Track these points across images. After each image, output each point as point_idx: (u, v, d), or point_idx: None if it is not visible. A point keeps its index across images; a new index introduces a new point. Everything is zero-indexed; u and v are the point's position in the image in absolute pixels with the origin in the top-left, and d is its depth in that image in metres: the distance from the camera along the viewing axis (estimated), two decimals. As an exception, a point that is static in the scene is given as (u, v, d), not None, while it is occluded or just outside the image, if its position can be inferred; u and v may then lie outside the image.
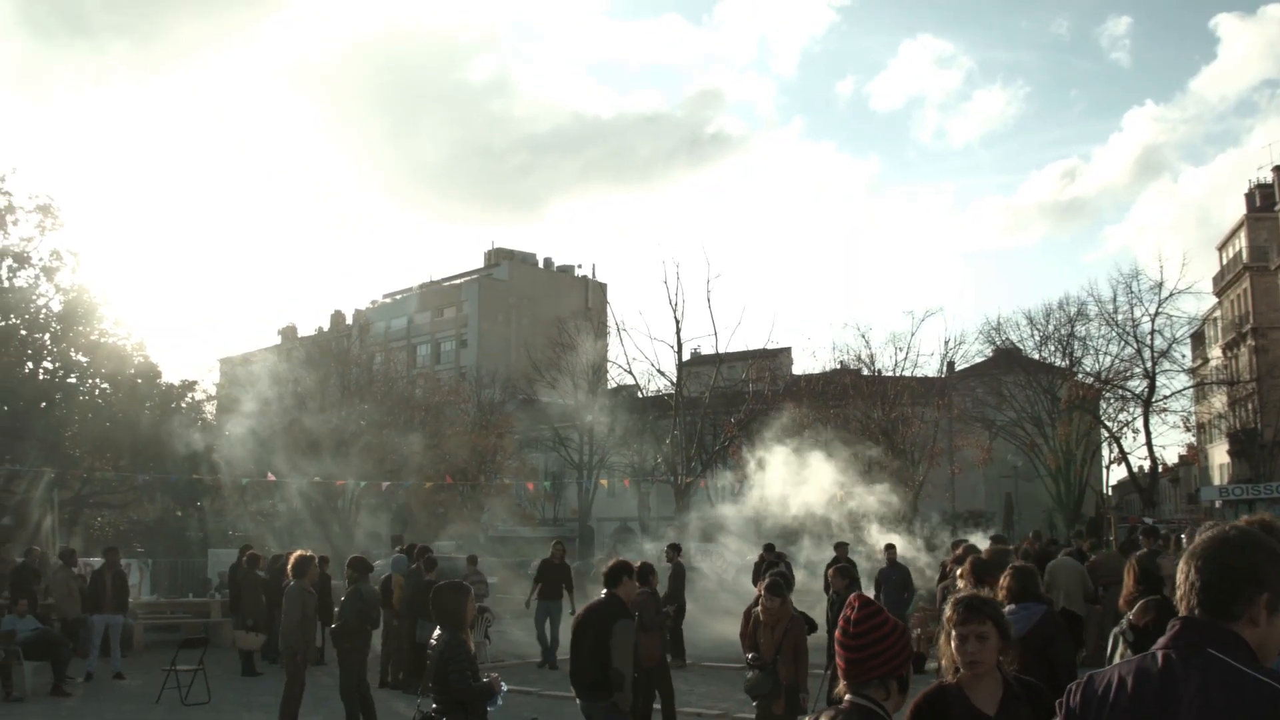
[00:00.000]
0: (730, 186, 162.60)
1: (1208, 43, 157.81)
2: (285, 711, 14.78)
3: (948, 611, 5.17)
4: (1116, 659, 7.63)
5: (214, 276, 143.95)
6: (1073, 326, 53.64)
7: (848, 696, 4.29)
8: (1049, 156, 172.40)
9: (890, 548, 22.42)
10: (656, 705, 14.10)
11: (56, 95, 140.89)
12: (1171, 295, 50.69)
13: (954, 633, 5.03)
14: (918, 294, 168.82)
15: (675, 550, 24.27)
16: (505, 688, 8.54)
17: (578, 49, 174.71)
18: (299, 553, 15.59)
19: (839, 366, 55.06)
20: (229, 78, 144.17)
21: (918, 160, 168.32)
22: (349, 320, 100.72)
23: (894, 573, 21.14)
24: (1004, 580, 8.17)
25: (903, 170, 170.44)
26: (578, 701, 10.36)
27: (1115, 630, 8.00)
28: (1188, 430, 59.24)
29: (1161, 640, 3.27)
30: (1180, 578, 3.33)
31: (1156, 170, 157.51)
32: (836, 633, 4.44)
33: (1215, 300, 67.80)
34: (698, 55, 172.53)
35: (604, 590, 10.50)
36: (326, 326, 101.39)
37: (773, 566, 14.85)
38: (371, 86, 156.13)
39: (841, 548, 22.08)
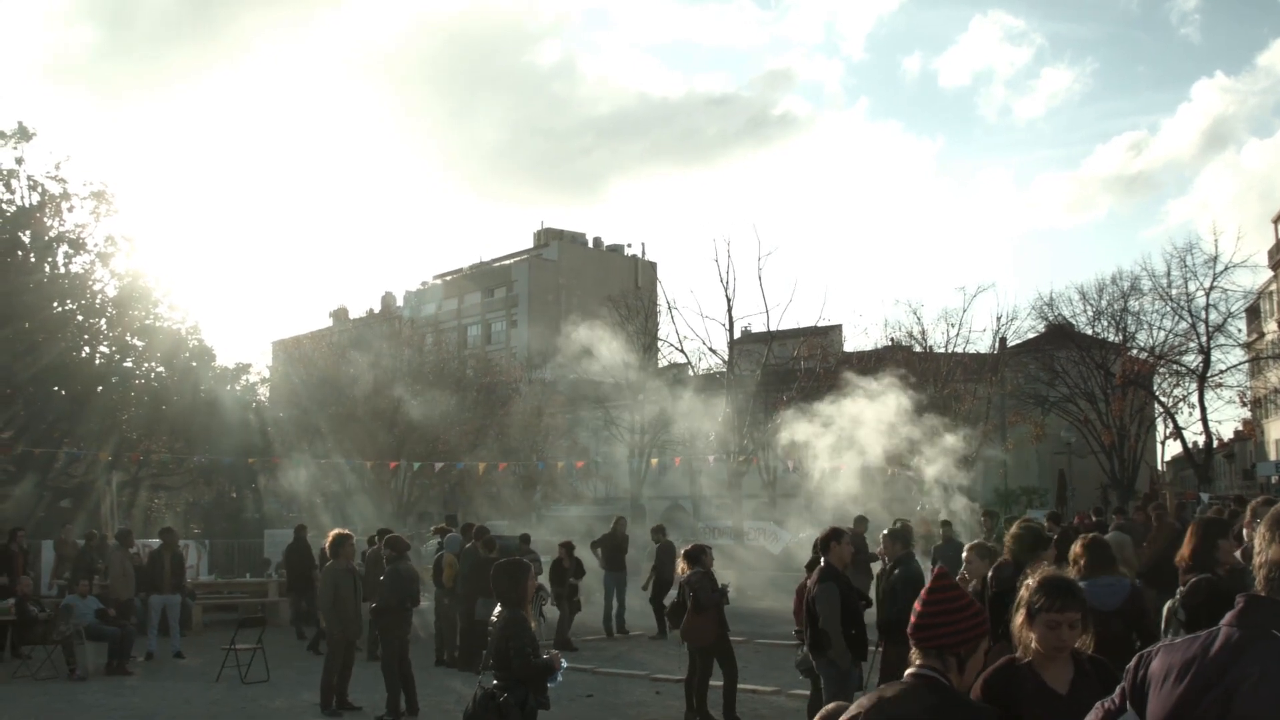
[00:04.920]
0: (793, 167, 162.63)
1: (1278, 14, 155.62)
2: (322, 684, 15.07)
3: (1030, 594, 5.11)
4: (1169, 638, 7.53)
5: (267, 260, 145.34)
6: (1126, 301, 53.20)
7: (909, 670, 4.31)
8: (1116, 128, 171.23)
9: (946, 524, 22.32)
10: (716, 682, 14.12)
11: (117, 83, 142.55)
12: (1227, 269, 50.13)
13: (1044, 618, 4.98)
14: (975, 271, 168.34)
15: (661, 532, 26.06)
16: (565, 664, 8.57)
17: (645, 32, 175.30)
18: (336, 531, 15.74)
19: (890, 343, 54.84)
20: (290, 61, 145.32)
21: (982, 136, 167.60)
22: (400, 302, 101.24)
23: (949, 550, 21.00)
24: (1076, 552, 8.15)
25: (967, 147, 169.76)
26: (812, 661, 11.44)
27: (1169, 604, 7.92)
28: (1244, 405, 58.59)
29: (1227, 617, 3.15)
30: (1260, 544, 3.19)
31: (1222, 142, 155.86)
32: (916, 600, 4.49)
33: (1271, 274, 66.95)
34: (766, 37, 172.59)
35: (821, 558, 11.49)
36: (377, 308, 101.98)
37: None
38: (433, 71, 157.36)
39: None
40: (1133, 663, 3.35)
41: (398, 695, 14.58)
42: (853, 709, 4.19)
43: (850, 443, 31.15)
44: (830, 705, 4.35)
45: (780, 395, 50.36)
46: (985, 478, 51.21)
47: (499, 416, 48.73)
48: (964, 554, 10.48)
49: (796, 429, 33.41)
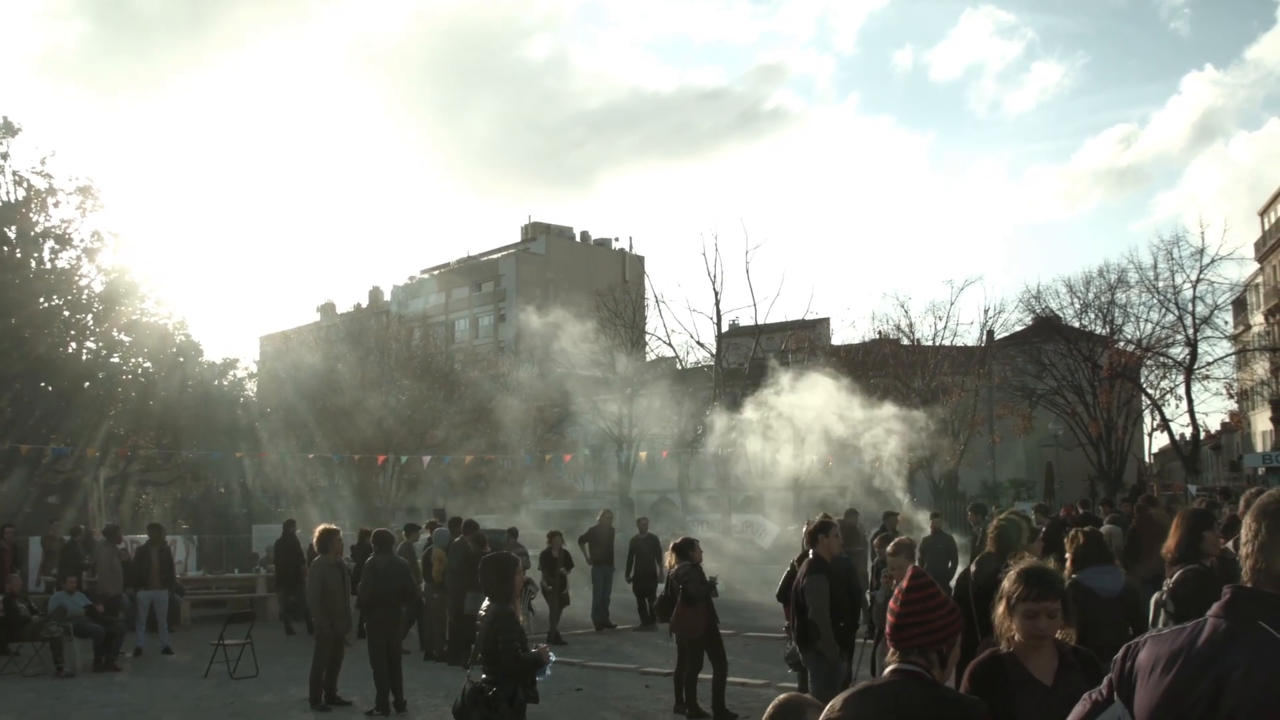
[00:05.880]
0: (784, 161, 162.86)
1: (1268, 7, 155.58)
2: (311, 679, 15.11)
3: (1009, 584, 5.14)
4: (1158, 628, 7.56)
5: (255, 254, 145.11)
6: (1113, 294, 53.22)
7: (892, 666, 4.33)
8: (1106, 121, 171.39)
9: (936, 516, 22.35)
10: (705, 675, 14.13)
11: (109, 78, 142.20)
12: (1213, 261, 50.18)
13: (1022, 607, 5.02)
14: (965, 264, 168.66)
15: (644, 525, 26.21)
16: (553, 658, 8.59)
17: (638, 27, 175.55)
18: (323, 526, 15.74)
19: (878, 336, 54.91)
20: (281, 56, 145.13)
21: (973, 130, 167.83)
22: (387, 297, 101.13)
23: (938, 541, 21.01)
24: (1072, 544, 8.21)
25: (958, 141, 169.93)
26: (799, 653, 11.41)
27: (1157, 596, 7.96)
28: (1230, 397, 58.77)
29: (1213, 608, 3.13)
30: (1246, 535, 3.17)
31: (1211, 135, 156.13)
32: (890, 600, 4.51)
33: (1257, 266, 67.15)
34: (759, 32, 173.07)
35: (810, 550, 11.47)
36: (365, 303, 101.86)
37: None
38: (426, 66, 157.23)
39: (890, 518, 22.02)
40: (1120, 654, 3.33)
41: (386, 690, 14.58)
42: (836, 702, 4.19)
43: (807, 432, 31.46)
44: (783, 697, 4.35)
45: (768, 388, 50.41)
46: (973, 471, 51.40)
47: (487, 410, 48.63)
48: (887, 552, 10.40)
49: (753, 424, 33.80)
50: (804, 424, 31.28)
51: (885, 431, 30.41)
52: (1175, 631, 3.20)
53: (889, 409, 31.87)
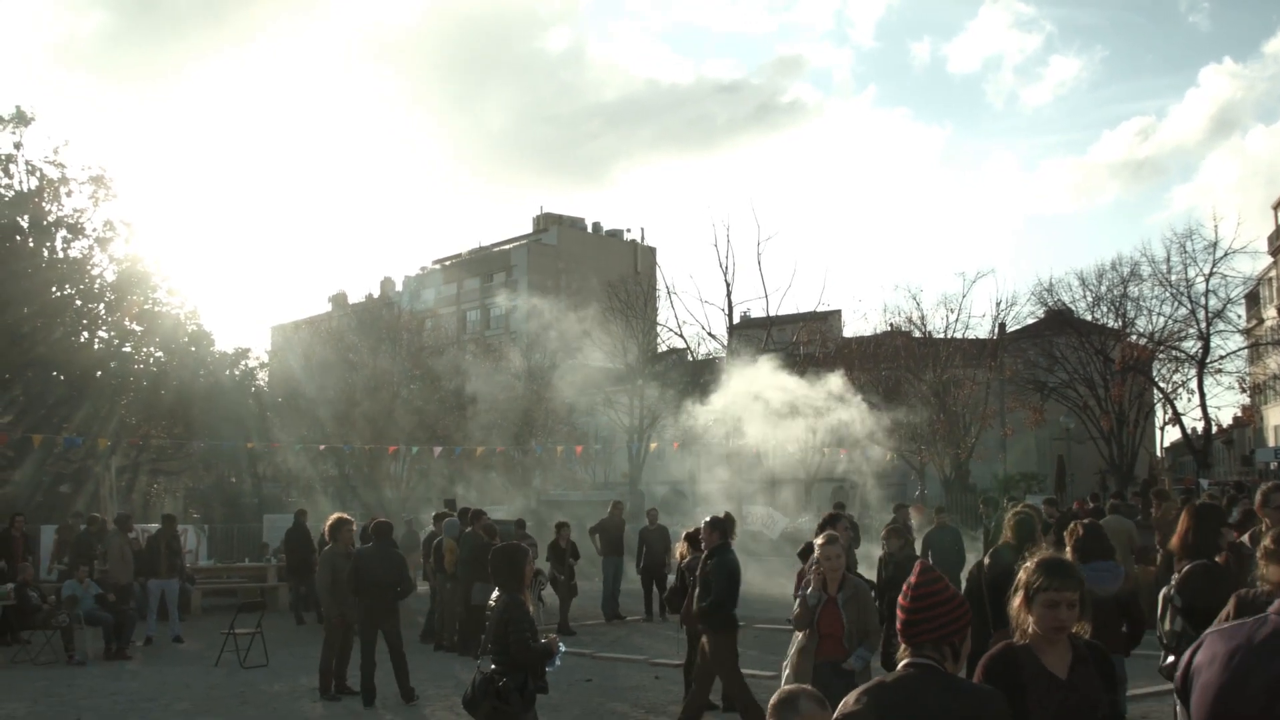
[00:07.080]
0: (800, 154, 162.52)
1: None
2: (321, 668, 15.20)
3: (1028, 575, 5.07)
4: (1166, 624, 7.61)
5: (267, 245, 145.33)
6: (1125, 287, 52.97)
7: (905, 660, 4.32)
8: (1123, 114, 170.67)
9: (941, 510, 22.31)
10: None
11: (124, 68, 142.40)
12: (1226, 255, 49.92)
13: (1042, 598, 4.95)
14: (979, 257, 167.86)
15: (653, 516, 26.27)
16: (563, 649, 8.57)
17: (655, 18, 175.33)
18: (335, 516, 15.72)
19: (890, 329, 54.81)
20: (297, 46, 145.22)
21: (989, 122, 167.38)
22: (399, 287, 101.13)
23: (944, 536, 20.97)
24: (1072, 537, 8.17)
25: (974, 133, 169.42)
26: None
27: (1164, 591, 7.92)
28: (1243, 391, 58.48)
29: (1275, 604, 3.09)
30: None
31: (1229, 128, 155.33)
32: (900, 597, 4.50)
33: (1271, 260, 66.88)
34: (776, 24, 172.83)
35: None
36: (377, 293, 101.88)
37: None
38: (443, 57, 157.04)
39: (902, 510, 21.99)
40: (1192, 648, 3.28)
41: (371, 680, 14.50)
42: (851, 697, 4.18)
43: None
44: (788, 688, 4.34)
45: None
46: (984, 464, 51.30)
47: (497, 400, 48.67)
48: (817, 544, 10.21)
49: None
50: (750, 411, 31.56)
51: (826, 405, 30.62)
52: (1235, 627, 3.14)
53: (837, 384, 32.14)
